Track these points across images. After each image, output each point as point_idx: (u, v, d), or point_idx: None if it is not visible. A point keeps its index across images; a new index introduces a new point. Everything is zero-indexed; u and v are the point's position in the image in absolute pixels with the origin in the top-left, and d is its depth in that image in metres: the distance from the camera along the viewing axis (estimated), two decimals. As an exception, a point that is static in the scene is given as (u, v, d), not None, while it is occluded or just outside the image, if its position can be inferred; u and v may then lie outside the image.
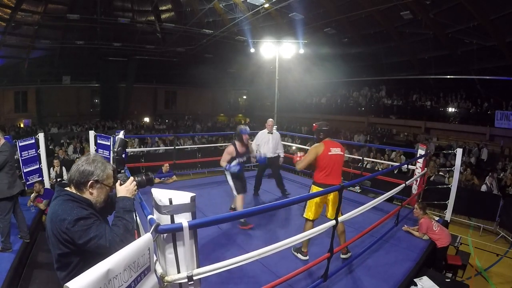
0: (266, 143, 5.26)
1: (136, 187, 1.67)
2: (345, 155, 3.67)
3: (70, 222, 1.35)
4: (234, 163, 3.98)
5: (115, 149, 1.73)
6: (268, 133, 5.31)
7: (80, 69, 21.13)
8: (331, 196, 3.12)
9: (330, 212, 3.21)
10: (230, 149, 4.06)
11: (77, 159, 1.55)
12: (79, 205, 1.43)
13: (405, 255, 3.49)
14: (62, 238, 1.36)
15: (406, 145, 13.25)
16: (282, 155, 5.45)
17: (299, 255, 3.27)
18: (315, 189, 3.24)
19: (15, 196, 3.42)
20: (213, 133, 16.21)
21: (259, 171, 5.52)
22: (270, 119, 5.53)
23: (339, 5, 14.37)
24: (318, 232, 2.52)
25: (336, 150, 3.25)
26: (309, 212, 3.21)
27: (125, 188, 1.61)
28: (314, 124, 3.44)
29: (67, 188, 1.50)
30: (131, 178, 1.67)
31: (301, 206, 4.69)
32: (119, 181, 1.62)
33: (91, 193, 1.50)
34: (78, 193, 1.48)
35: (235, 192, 4.04)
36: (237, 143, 4.10)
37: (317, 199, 3.15)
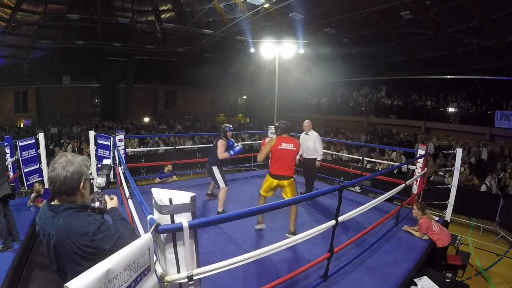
0: (303, 144, 5.43)
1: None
2: (345, 155, 3.79)
3: (93, 233, 1.32)
4: (236, 146, 4.68)
5: (104, 172, 1.76)
6: (304, 134, 5.51)
7: (80, 69, 21.14)
8: (286, 183, 3.72)
9: (286, 196, 3.74)
10: (221, 141, 4.64)
11: (52, 166, 1.42)
12: (86, 213, 1.41)
13: (405, 255, 3.49)
14: (86, 253, 1.31)
15: (398, 144, 13.29)
16: (319, 158, 5.35)
17: (257, 226, 3.89)
18: (268, 177, 3.82)
19: (1, 200, 3.37)
20: (213, 133, 16.18)
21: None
22: (306, 121, 5.62)
23: (339, 5, 14.37)
24: (318, 232, 2.52)
25: (288, 146, 3.73)
26: (262, 189, 3.86)
27: (115, 201, 1.70)
28: (275, 123, 4.06)
29: (58, 202, 1.42)
30: (115, 196, 1.76)
31: (302, 206, 4.72)
32: (108, 196, 1.70)
33: (82, 194, 1.45)
34: (73, 201, 1.42)
35: (222, 185, 4.52)
36: (223, 139, 4.69)
37: (270, 181, 3.79)
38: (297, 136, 5.39)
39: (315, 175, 5.69)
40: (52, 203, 1.43)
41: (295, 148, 3.73)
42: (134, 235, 1.46)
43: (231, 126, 4.92)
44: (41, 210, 1.46)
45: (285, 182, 3.70)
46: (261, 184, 3.96)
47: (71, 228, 1.32)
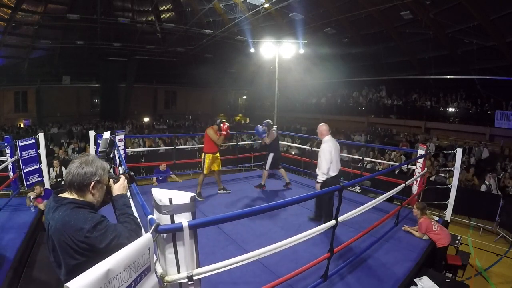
0: None
1: (127, 183, 1.69)
2: (345, 155, 3.75)
3: (88, 230, 1.32)
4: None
5: (104, 149, 1.73)
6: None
7: (80, 69, 21.12)
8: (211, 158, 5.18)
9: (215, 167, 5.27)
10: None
11: (72, 161, 1.51)
12: (88, 210, 1.42)
13: (405, 255, 3.49)
14: (80, 248, 1.33)
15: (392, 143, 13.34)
16: (318, 178, 3.87)
17: (198, 198, 4.93)
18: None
19: None
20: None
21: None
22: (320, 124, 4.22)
23: (339, 5, 14.37)
24: (318, 232, 2.52)
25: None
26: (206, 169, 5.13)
27: (121, 186, 1.63)
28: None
29: (66, 195, 1.45)
30: (122, 176, 1.68)
31: (301, 206, 4.71)
32: (111, 180, 1.62)
33: (92, 194, 1.48)
34: (80, 198, 1.45)
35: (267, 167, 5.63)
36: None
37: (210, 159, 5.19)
38: (296, 136, 5.39)
39: (324, 201, 3.97)
40: (60, 195, 1.46)
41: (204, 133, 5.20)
42: (134, 235, 1.45)
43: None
44: (48, 201, 1.50)
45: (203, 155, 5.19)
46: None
47: (68, 222, 1.34)
